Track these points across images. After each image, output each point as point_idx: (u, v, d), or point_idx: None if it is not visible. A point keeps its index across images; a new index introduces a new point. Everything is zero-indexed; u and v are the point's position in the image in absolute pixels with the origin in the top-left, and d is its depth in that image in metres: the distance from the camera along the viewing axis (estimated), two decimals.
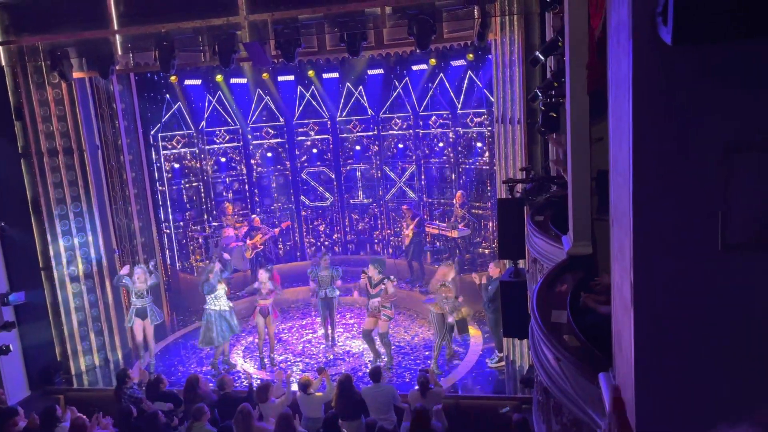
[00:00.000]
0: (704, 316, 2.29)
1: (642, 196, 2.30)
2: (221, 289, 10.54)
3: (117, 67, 10.21)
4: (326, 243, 14.93)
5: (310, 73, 13.70)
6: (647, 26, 2.14)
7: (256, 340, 11.34)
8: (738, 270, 2.22)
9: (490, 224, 12.86)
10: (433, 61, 12.79)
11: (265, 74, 13.58)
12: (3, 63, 9.99)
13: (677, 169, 2.23)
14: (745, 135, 2.14)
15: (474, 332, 11.56)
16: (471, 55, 11.67)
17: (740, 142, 2.13)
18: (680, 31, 1.93)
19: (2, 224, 9.11)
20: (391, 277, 10.64)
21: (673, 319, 2.33)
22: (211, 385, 9.44)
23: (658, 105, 2.21)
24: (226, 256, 12.33)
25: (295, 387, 8.46)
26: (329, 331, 11.46)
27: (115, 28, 9.59)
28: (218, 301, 10.49)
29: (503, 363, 10.24)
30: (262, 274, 10.95)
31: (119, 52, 9.79)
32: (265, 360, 10.96)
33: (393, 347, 10.67)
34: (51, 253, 10.57)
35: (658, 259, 2.31)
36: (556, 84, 7.40)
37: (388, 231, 14.75)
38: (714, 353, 2.31)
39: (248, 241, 13.16)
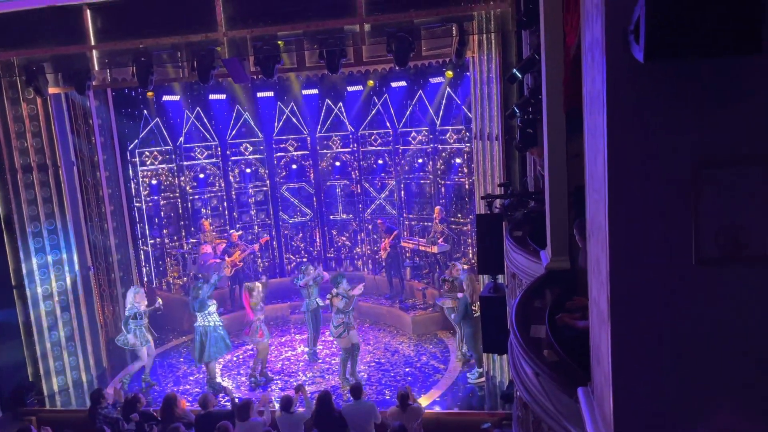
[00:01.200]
0: (680, 328, 2.32)
1: (617, 211, 2.33)
2: (212, 305, 10.39)
3: (94, 83, 10.15)
4: (305, 259, 14.85)
5: (294, 84, 13.77)
6: (620, 44, 2.18)
7: (234, 357, 11.20)
8: (711, 283, 2.26)
9: (470, 240, 12.91)
10: (406, 82, 13.00)
11: (241, 90, 13.57)
12: None
13: (651, 184, 2.26)
14: (715, 150, 2.19)
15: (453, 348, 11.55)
16: (450, 73, 11.81)
17: (710, 158, 2.17)
18: (652, 48, 1.97)
19: None
20: (333, 291, 10.58)
21: (650, 332, 2.35)
22: (187, 404, 9.29)
23: (631, 121, 2.25)
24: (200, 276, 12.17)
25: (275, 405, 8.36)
26: (311, 345, 11.39)
27: (92, 43, 9.53)
28: (210, 317, 10.34)
29: (483, 379, 10.23)
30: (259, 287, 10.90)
31: (96, 68, 9.72)
32: (259, 377, 10.78)
33: (373, 364, 10.63)
34: (24, 271, 10.37)
35: (634, 272, 2.33)
36: (533, 101, 7.50)
37: (368, 247, 14.72)
38: (690, 366, 2.33)
39: (227, 259, 13.01)
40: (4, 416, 10.11)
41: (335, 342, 10.78)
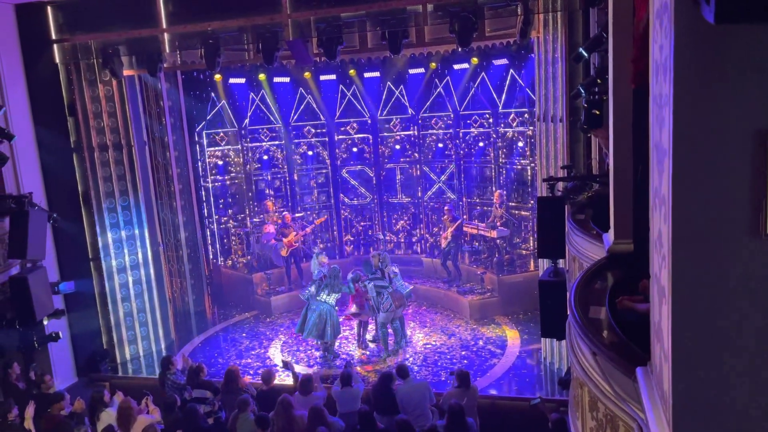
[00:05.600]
0: (742, 304, 2.23)
1: (681, 183, 2.26)
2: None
3: (165, 65, 10.53)
4: (364, 241, 15.00)
5: (351, 72, 13.82)
6: (690, 6, 2.10)
7: (294, 335, 11.49)
8: None
9: (530, 225, 12.71)
10: (475, 60, 12.75)
11: (307, 73, 13.74)
12: (57, 61, 10.40)
13: (716, 154, 2.18)
14: None
15: (511, 333, 11.45)
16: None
17: None
18: (723, 9, 1.89)
19: (54, 216, 9.46)
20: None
21: (711, 308, 2.27)
22: (249, 377, 9.62)
23: (698, 89, 2.17)
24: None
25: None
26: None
27: (164, 26, 9.89)
28: (330, 297, 10.59)
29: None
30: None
31: (167, 50, 10.09)
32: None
33: (429, 346, 10.66)
34: (100, 244, 10.95)
35: (696, 246, 2.26)
36: (599, 81, 7.28)
37: (426, 231, 14.72)
38: (751, 343, 2.24)
39: (284, 240, 13.29)
40: (80, 381, 10.76)
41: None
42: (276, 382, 8.81)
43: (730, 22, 1.94)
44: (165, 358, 8.86)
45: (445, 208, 13.37)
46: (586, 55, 7.69)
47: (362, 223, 15.06)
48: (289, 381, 9.22)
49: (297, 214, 14.43)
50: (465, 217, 13.80)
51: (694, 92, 2.17)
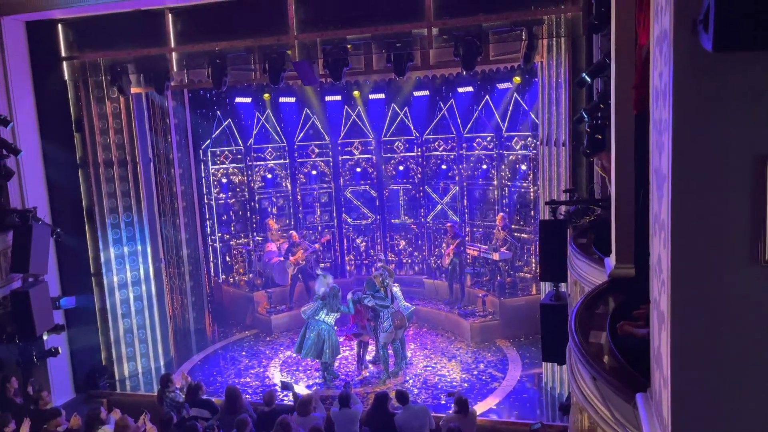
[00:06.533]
0: (742, 331, 2.22)
1: (680, 208, 2.27)
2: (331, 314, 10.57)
3: (172, 84, 10.65)
4: (366, 262, 14.98)
5: (356, 93, 13.93)
6: (689, 34, 2.13)
7: (294, 354, 11.41)
8: None
9: (532, 248, 12.69)
10: (517, 80, 12.60)
11: (311, 93, 13.86)
12: (66, 77, 10.53)
13: (715, 180, 2.19)
14: None
15: (512, 357, 11.37)
16: (517, 78, 11.65)
17: None
18: (721, 37, 1.92)
19: (58, 230, 9.50)
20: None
21: (710, 334, 2.27)
22: (247, 396, 9.55)
23: (696, 114, 2.19)
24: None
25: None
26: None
27: (172, 45, 10.01)
28: (329, 317, 10.52)
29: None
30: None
31: (175, 69, 10.20)
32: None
33: (429, 369, 10.58)
34: (102, 260, 10.96)
35: (695, 271, 2.26)
36: (602, 106, 7.34)
37: (428, 252, 14.70)
38: (750, 370, 2.23)
39: (291, 258, 13.30)
40: (77, 397, 10.69)
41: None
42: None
43: (728, 50, 1.97)
44: (164, 376, 8.81)
45: (448, 224, 13.39)
46: (589, 80, 7.76)
47: (364, 244, 15.06)
48: (290, 400, 9.15)
49: (294, 233, 14.44)
50: (467, 238, 13.79)
51: (692, 118, 2.20)
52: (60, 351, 9.71)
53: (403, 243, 14.94)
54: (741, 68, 2.12)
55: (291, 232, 14.00)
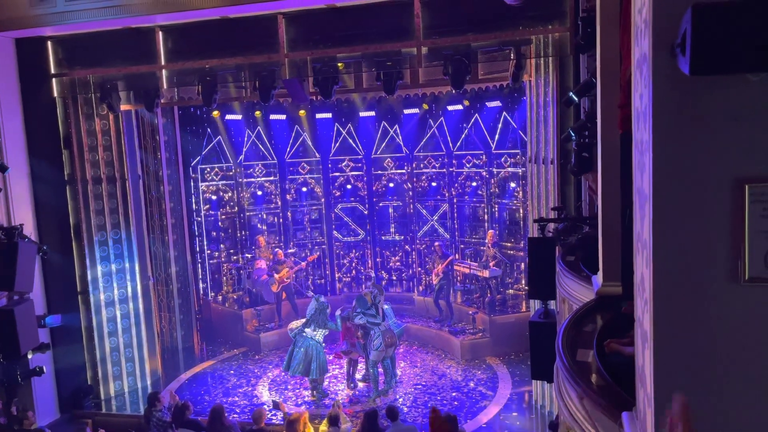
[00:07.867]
0: (725, 350, 2.24)
1: (661, 227, 2.28)
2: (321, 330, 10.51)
3: (162, 101, 10.66)
4: (355, 278, 14.94)
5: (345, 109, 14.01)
6: (667, 57, 2.16)
7: (282, 373, 11.31)
8: (760, 303, 2.17)
9: (522, 265, 12.72)
10: (467, 102, 12.97)
11: (301, 111, 13.90)
12: (55, 94, 10.52)
13: (696, 200, 2.21)
14: (762, 167, 2.13)
15: (502, 374, 11.33)
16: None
17: (756, 175, 2.12)
18: (698, 61, 1.96)
19: (44, 247, 9.42)
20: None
21: (693, 353, 2.28)
22: (234, 416, 9.45)
23: (676, 135, 2.22)
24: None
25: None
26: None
27: (162, 63, 10.04)
28: (317, 332, 10.44)
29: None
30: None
31: (165, 86, 10.22)
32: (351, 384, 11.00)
33: (419, 387, 10.51)
34: (89, 277, 10.87)
35: (677, 290, 2.27)
36: (589, 124, 7.40)
37: (419, 269, 14.70)
38: (734, 389, 2.24)
39: (275, 276, 13.23)
40: (62, 417, 10.53)
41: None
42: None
43: (705, 74, 2.01)
44: (152, 395, 8.71)
45: (436, 244, 13.38)
46: (576, 99, 7.84)
47: (354, 261, 15.03)
48: (279, 420, 9.06)
49: (290, 250, 14.40)
50: (457, 255, 13.80)
51: (672, 139, 2.22)
52: (45, 370, 9.54)
53: (393, 260, 14.93)
54: (719, 91, 2.15)
55: (276, 249, 13.94)
